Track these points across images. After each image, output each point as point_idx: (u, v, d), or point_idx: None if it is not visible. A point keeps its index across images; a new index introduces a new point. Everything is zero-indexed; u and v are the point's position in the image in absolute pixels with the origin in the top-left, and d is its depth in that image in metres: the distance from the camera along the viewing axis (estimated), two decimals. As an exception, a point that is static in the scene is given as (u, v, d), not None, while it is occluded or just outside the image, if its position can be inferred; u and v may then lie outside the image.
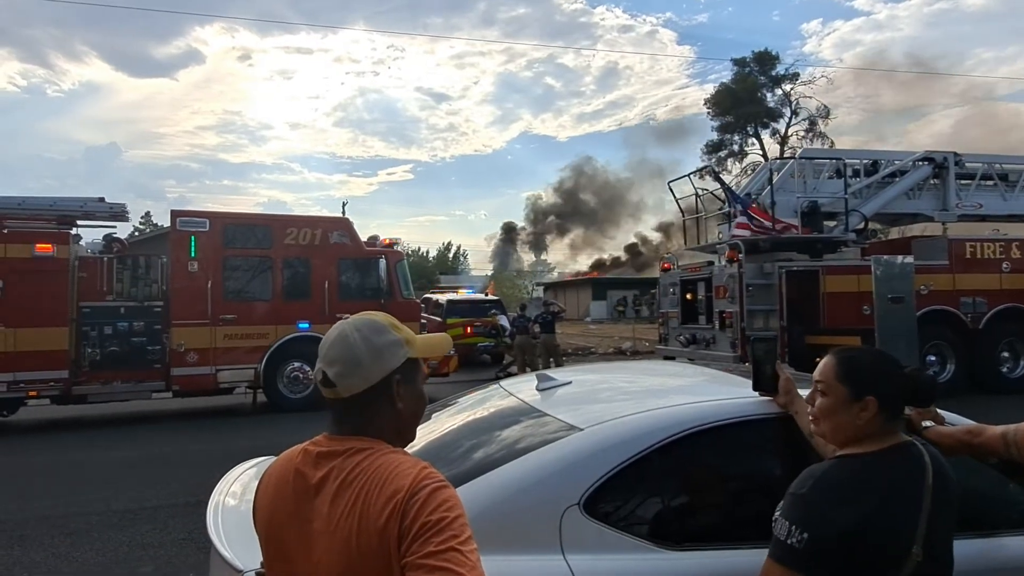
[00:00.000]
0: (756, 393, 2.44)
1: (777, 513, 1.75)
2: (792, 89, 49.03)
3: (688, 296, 13.53)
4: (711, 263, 13.13)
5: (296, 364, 12.62)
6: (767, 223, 12.17)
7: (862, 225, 13.55)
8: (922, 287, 12.05)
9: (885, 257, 11.78)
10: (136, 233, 41.38)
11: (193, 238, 12.32)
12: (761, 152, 48.08)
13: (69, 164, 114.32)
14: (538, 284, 63.14)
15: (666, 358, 13.17)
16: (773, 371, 2.40)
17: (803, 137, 48.41)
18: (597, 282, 54.10)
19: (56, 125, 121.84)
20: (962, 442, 2.19)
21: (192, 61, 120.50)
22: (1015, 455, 2.09)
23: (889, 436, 1.81)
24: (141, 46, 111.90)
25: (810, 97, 48.57)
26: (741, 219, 12.21)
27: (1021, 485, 2.43)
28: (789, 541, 1.68)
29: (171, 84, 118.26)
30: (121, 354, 11.75)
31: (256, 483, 1.60)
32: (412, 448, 2.47)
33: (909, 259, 11.78)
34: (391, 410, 1.49)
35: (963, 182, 14.14)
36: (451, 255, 75.92)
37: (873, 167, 13.80)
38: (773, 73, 49.04)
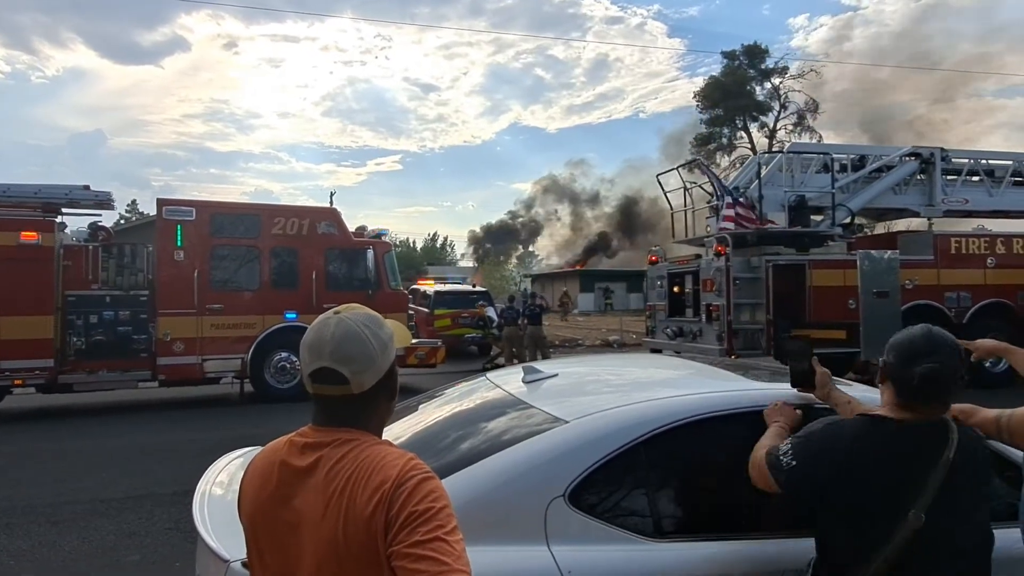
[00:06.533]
0: (751, 387, 2.48)
1: None
2: (781, 83, 49.26)
3: (675, 289, 13.57)
4: (699, 256, 13.17)
5: (283, 354, 12.55)
6: (753, 216, 12.24)
7: (849, 220, 13.64)
8: (907, 282, 12.13)
9: (871, 252, 11.86)
10: (122, 221, 41.00)
11: (179, 227, 12.21)
12: (749, 146, 48.22)
13: (54, 151, 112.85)
14: (525, 276, 62.98)
15: (653, 351, 13.22)
16: (810, 367, 2.46)
17: (791, 131, 48.65)
18: (585, 274, 54.01)
19: (41, 112, 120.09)
20: None
21: (178, 48, 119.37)
22: (1006, 440, 2.10)
23: (921, 409, 1.90)
24: (126, 33, 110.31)
25: (799, 91, 48.79)
26: (727, 212, 12.25)
27: (1005, 480, 2.46)
28: (782, 458, 1.94)
29: (157, 72, 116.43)
30: (107, 343, 11.66)
31: (242, 474, 1.61)
32: (400, 439, 2.50)
33: (895, 254, 11.86)
34: (389, 403, 1.52)
35: (949, 178, 14.25)
36: (439, 246, 75.77)
37: (860, 162, 13.87)
38: (762, 66, 49.17)
